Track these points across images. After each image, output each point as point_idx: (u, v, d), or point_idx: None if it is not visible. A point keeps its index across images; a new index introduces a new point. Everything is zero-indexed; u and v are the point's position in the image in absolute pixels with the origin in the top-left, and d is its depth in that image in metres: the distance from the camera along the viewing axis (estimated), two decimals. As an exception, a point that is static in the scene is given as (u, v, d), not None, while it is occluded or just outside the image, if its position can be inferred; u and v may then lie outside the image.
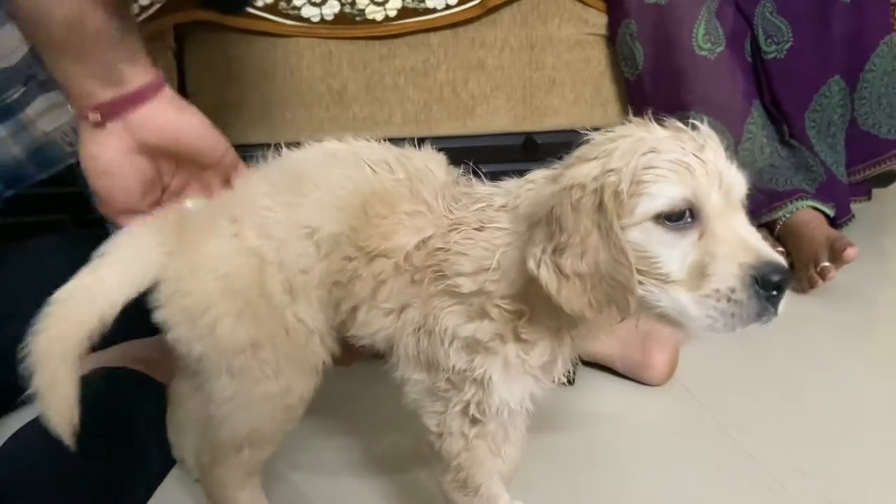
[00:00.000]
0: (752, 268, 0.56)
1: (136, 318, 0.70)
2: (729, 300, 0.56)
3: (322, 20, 1.55)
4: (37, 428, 0.78)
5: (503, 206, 0.67)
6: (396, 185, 0.70)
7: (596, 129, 1.80)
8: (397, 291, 0.68)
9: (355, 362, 0.80)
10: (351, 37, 1.58)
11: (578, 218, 0.58)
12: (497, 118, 1.71)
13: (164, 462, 0.89)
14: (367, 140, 0.78)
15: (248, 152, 1.64)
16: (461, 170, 0.75)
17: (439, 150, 1.71)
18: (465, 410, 0.68)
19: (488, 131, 1.72)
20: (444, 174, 0.73)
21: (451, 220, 0.67)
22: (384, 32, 1.58)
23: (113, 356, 0.94)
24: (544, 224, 0.60)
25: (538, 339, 0.66)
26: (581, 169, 0.60)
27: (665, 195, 0.57)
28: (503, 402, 0.67)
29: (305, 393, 0.74)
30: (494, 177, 1.76)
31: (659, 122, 0.63)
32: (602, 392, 1.11)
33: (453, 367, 0.66)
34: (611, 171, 0.58)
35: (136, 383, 0.90)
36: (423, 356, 0.68)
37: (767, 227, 1.52)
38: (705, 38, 1.51)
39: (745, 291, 0.56)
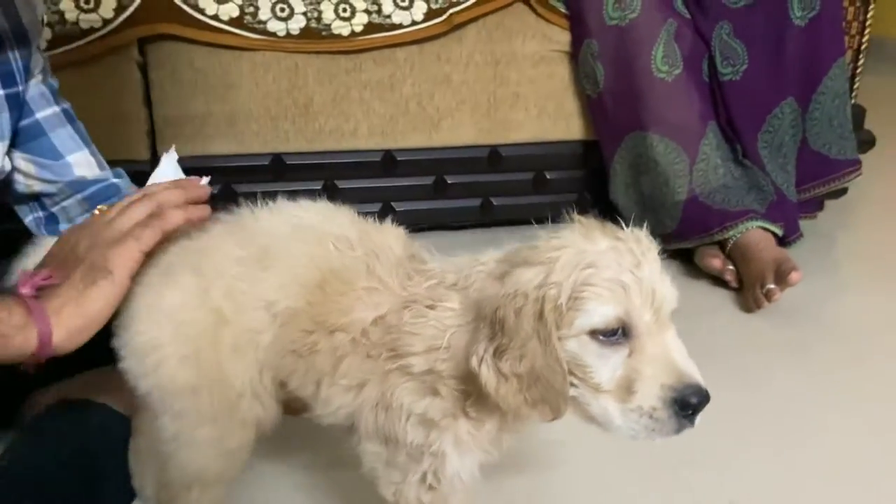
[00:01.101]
0: (673, 389, 0.61)
1: (102, 343, 0.73)
2: (651, 417, 0.62)
3: (288, 34, 1.56)
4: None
5: (454, 285, 0.70)
6: (354, 262, 0.73)
7: (559, 142, 1.82)
8: (355, 367, 0.71)
9: (305, 412, 0.83)
10: (317, 51, 1.59)
11: (519, 324, 0.62)
12: (462, 131, 1.75)
13: (127, 493, 0.92)
14: (334, 206, 0.81)
15: (212, 163, 1.66)
16: (418, 244, 0.78)
17: (407, 161, 1.75)
18: (422, 479, 0.72)
19: (454, 144, 1.75)
20: (401, 249, 0.76)
21: (404, 297, 0.71)
22: (350, 47, 1.60)
23: (76, 387, 0.97)
24: (488, 324, 0.64)
25: (486, 418, 0.70)
26: (525, 274, 0.64)
27: (600, 313, 0.62)
28: (455, 472, 0.72)
29: (243, 442, 0.77)
30: (463, 188, 1.79)
31: (601, 224, 0.67)
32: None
33: (411, 442, 0.70)
34: (552, 283, 0.62)
35: (99, 416, 0.92)
36: (381, 431, 0.72)
37: (719, 245, 1.57)
38: (664, 61, 1.55)
39: (665, 411, 0.62)
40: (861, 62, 1.91)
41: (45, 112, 1.01)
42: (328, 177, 1.72)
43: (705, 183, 1.56)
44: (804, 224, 1.72)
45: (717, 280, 1.57)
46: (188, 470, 0.77)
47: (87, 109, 1.52)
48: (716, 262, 1.54)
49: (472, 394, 0.68)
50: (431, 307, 0.69)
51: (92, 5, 1.47)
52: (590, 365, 0.63)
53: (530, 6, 1.67)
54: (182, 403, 0.74)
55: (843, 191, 1.92)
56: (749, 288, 1.46)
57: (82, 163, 1.04)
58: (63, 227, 1.05)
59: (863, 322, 1.44)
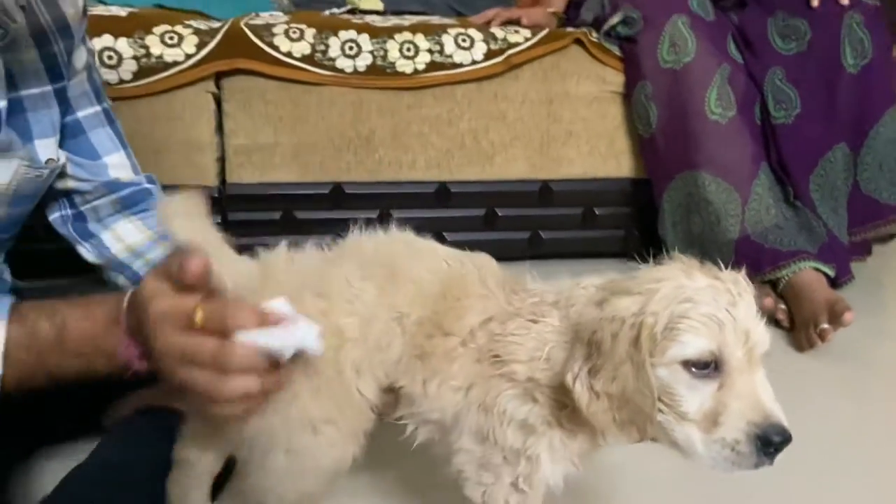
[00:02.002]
0: (757, 426, 0.64)
1: None
2: (732, 449, 0.65)
3: (355, 71, 1.64)
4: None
5: (555, 303, 0.75)
6: (468, 273, 0.79)
7: (609, 179, 1.87)
8: (464, 370, 0.76)
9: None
10: (381, 87, 1.67)
11: (615, 347, 0.66)
12: (515, 166, 1.80)
13: None
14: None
15: (276, 190, 1.74)
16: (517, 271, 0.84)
17: (460, 193, 1.81)
18: (513, 482, 0.76)
19: (506, 178, 1.81)
20: (499, 270, 0.82)
21: (510, 309, 0.76)
22: (412, 84, 1.67)
23: (160, 393, 1.00)
24: (585, 344, 0.69)
25: (579, 430, 0.74)
26: (624, 301, 0.68)
27: (694, 346, 0.65)
28: (545, 478, 0.76)
29: (356, 457, 0.81)
30: (513, 221, 1.84)
31: (701, 263, 0.70)
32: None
33: (510, 446, 0.75)
34: (650, 312, 0.66)
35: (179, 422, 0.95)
36: (481, 431, 0.76)
37: (771, 284, 1.59)
38: (717, 104, 1.60)
39: (748, 446, 0.65)
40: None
41: (87, 111, 1.00)
42: (384, 206, 1.78)
43: (757, 223, 1.59)
44: (854, 267, 1.73)
45: (769, 320, 1.59)
46: (290, 497, 0.80)
47: (164, 136, 1.63)
48: (767, 301, 1.56)
49: (567, 405, 0.72)
50: (534, 321, 0.75)
51: (176, 41, 1.57)
52: (679, 393, 0.66)
53: (586, 48, 1.73)
54: (306, 439, 0.77)
55: (892, 235, 1.93)
56: (802, 327, 1.47)
57: (118, 164, 1.02)
58: (91, 226, 1.02)
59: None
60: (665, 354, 0.66)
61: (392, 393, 0.81)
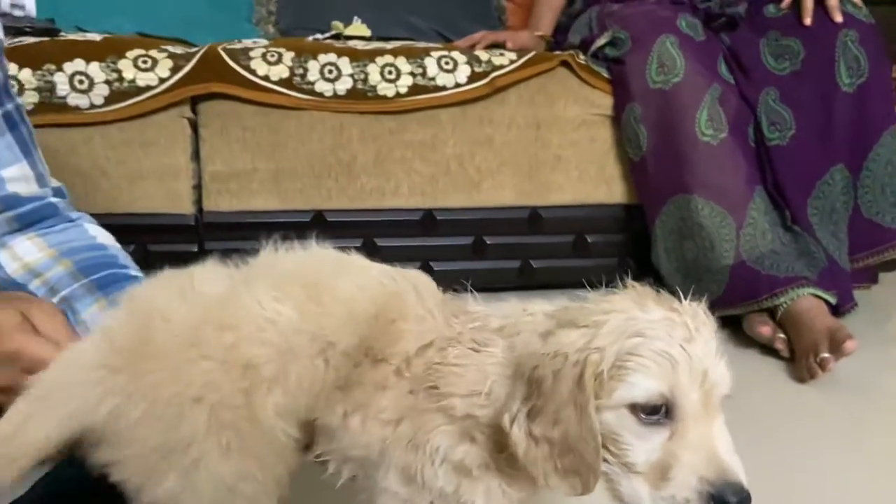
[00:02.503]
0: (711, 484, 0.56)
1: None
2: None
3: (335, 95, 1.60)
4: None
5: (499, 330, 0.67)
6: (404, 291, 0.70)
7: (600, 205, 1.81)
8: (396, 402, 0.67)
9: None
10: (362, 111, 1.63)
11: (556, 387, 0.59)
12: (503, 192, 1.75)
13: None
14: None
15: (255, 219, 1.68)
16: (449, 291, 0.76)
17: (447, 221, 1.75)
18: None
19: (494, 205, 1.75)
20: (437, 291, 0.73)
21: (449, 335, 0.67)
22: (394, 108, 1.63)
23: None
24: (525, 382, 0.61)
25: (520, 474, 0.65)
26: (569, 335, 0.60)
27: (643, 387, 0.57)
28: None
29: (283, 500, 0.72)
30: (503, 249, 1.78)
31: (656, 293, 0.63)
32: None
33: (441, 489, 0.65)
34: (595, 348, 0.59)
35: None
36: (408, 471, 0.67)
37: (769, 313, 1.52)
38: (708, 125, 1.54)
39: None
40: (912, 132, 1.88)
41: None
42: (368, 234, 1.72)
43: (753, 248, 1.52)
44: (858, 295, 1.65)
45: (767, 349, 1.50)
46: None
47: (138, 162, 1.58)
48: (766, 329, 1.48)
49: (507, 447, 0.64)
50: (475, 350, 0.66)
51: (149, 65, 1.54)
52: (626, 442, 0.59)
53: (573, 71, 1.69)
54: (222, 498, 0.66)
55: (898, 262, 1.85)
56: (802, 357, 1.39)
57: (17, 177, 0.89)
58: None
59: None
60: (612, 396, 0.58)
61: (308, 426, 0.70)
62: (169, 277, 0.72)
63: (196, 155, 1.62)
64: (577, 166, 1.75)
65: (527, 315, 0.67)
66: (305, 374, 0.66)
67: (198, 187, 1.64)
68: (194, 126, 1.61)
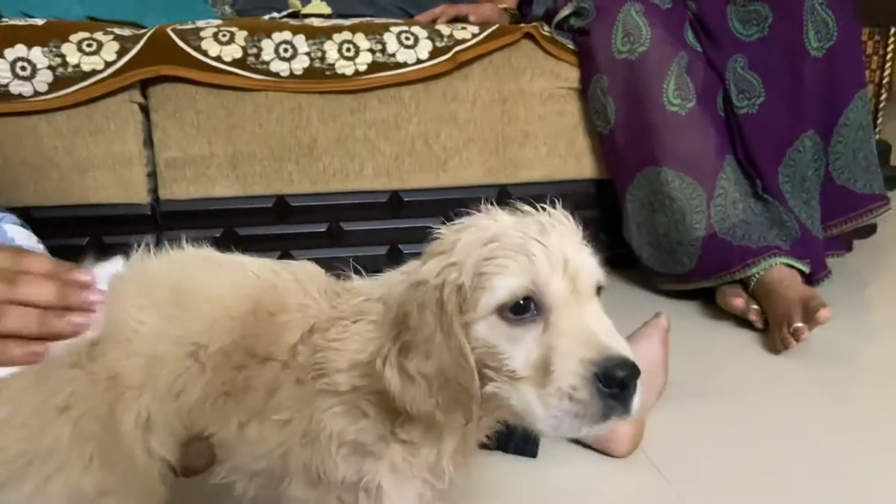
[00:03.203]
0: (593, 364, 0.53)
1: None
2: (571, 399, 0.53)
3: (291, 74, 1.54)
4: None
5: (379, 298, 0.64)
6: (283, 282, 0.67)
7: (571, 181, 1.77)
8: (287, 397, 0.63)
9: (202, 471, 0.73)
10: (321, 91, 1.57)
11: (422, 317, 0.56)
12: (470, 171, 1.70)
13: None
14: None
15: (215, 206, 1.63)
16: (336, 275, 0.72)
17: (414, 202, 1.71)
18: None
19: (462, 184, 1.71)
20: (325, 278, 0.70)
21: (332, 315, 0.65)
22: (354, 86, 1.57)
23: None
24: (394, 323, 0.58)
25: (421, 441, 0.62)
26: (428, 265, 0.59)
27: (503, 286, 0.55)
28: None
29: None
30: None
31: (508, 208, 0.62)
32: (566, 465, 1.06)
33: (343, 479, 0.62)
34: (452, 264, 0.57)
35: None
36: (309, 469, 0.63)
37: (742, 284, 1.49)
38: (675, 94, 1.50)
39: (587, 389, 0.53)
40: (883, 97, 1.86)
41: None
42: (333, 219, 1.67)
43: (724, 219, 1.49)
44: (832, 263, 1.63)
45: (741, 321, 1.48)
46: None
47: (87, 151, 1.52)
48: (738, 301, 1.45)
49: (400, 413, 0.61)
50: (356, 322, 0.64)
51: (94, 48, 1.47)
52: (502, 350, 0.56)
53: (537, 43, 1.64)
54: None
55: (872, 229, 1.83)
56: (775, 327, 1.36)
57: None
58: None
59: (892, 362, 1.34)
60: (477, 308, 0.56)
61: (201, 443, 0.66)
62: None
63: (149, 141, 1.56)
64: (546, 141, 1.71)
65: (401, 275, 0.65)
66: (174, 377, 0.63)
67: (153, 175, 1.59)
68: (145, 111, 1.55)
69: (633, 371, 0.53)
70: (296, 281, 0.67)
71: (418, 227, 1.72)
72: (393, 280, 0.65)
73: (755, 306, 1.44)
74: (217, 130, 1.57)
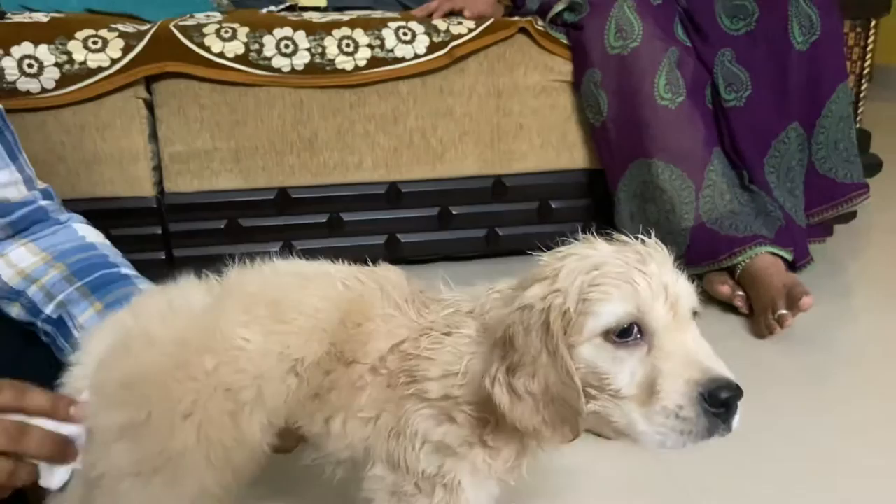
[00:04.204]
0: (699, 384, 0.57)
1: None
2: (677, 417, 0.57)
3: (293, 70, 1.58)
4: None
5: (470, 312, 0.69)
6: (369, 292, 0.72)
7: (563, 171, 1.81)
8: (374, 398, 0.69)
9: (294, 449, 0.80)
10: (321, 86, 1.61)
11: (528, 339, 0.60)
12: (466, 162, 1.75)
13: None
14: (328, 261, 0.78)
15: (218, 198, 1.67)
16: (423, 283, 0.77)
17: (411, 193, 1.76)
18: None
19: (458, 175, 1.76)
20: (407, 283, 0.74)
21: (422, 325, 0.69)
22: (354, 81, 1.61)
23: None
24: (499, 344, 0.62)
25: (504, 446, 0.67)
26: (532, 290, 0.62)
27: (608, 312, 0.59)
28: None
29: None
30: (468, 219, 1.79)
31: (605, 237, 0.66)
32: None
33: (423, 471, 0.67)
34: (557, 291, 0.60)
35: None
36: (392, 457, 0.69)
37: (728, 271, 1.56)
38: (666, 89, 1.56)
39: (693, 409, 0.57)
40: (864, 87, 1.92)
41: None
42: (333, 210, 1.72)
43: (712, 209, 1.55)
44: (814, 249, 1.70)
45: (728, 307, 1.55)
46: None
47: (94, 146, 1.56)
48: (725, 288, 1.52)
49: (490, 421, 0.66)
50: (448, 334, 0.68)
51: (100, 45, 1.50)
52: (607, 371, 0.60)
53: (531, 38, 1.68)
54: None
55: (853, 215, 1.90)
56: (760, 314, 1.43)
57: (6, 183, 0.90)
58: None
59: (877, 347, 1.41)
60: (583, 331, 0.60)
61: (292, 430, 0.73)
62: (150, 303, 0.75)
63: (154, 136, 1.60)
64: (539, 133, 1.76)
65: (494, 293, 0.69)
66: (280, 393, 0.69)
67: (158, 169, 1.62)
68: (150, 106, 1.58)
69: (736, 392, 0.58)
70: (381, 290, 0.71)
71: (416, 218, 1.78)
72: (481, 295, 0.69)
73: (741, 293, 1.51)
74: (220, 125, 1.60)
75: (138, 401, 0.68)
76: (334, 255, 0.81)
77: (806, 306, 1.34)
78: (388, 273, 0.75)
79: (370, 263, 0.77)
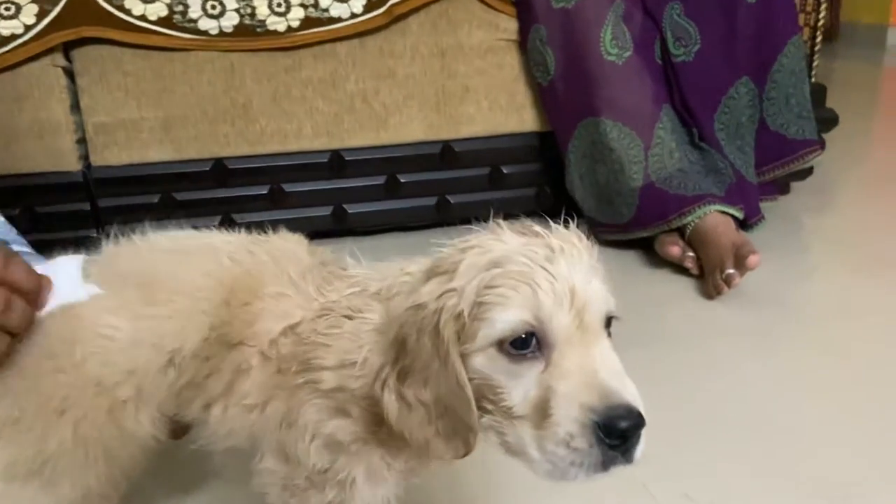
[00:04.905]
0: (594, 412, 0.49)
1: None
2: (568, 446, 0.50)
3: (221, 32, 1.50)
4: None
5: (377, 294, 0.62)
6: (259, 266, 0.65)
7: (513, 134, 1.76)
8: (261, 384, 0.62)
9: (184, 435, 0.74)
10: (253, 49, 1.53)
11: (420, 342, 0.54)
12: (412, 127, 1.69)
13: None
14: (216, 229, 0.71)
15: (149, 171, 1.59)
16: (328, 250, 0.70)
17: (356, 161, 1.69)
18: None
19: (404, 141, 1.69)
20: (308, 255, 0.68)
21: (321, 304, 0.63)
22: (288, 44, 1.54)
23: None
24: (393, 344, 0.56)
25: (404, 444, 0.61)
26: (428, 286, 0.55)
27: (502, 320, 0.52)
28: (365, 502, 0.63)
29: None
30: (417, 186, 1.73)
31: (525, 224, 0.58)
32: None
33: (314, 466, 0.61)
34: (452, 291, 0.54)
35: None
36: (283, 448, 0.63)
37: (679, 232, 1.52)
38: (613, 44, 1.50)
39: (586, 439, 0.49)
40: (819, 40, 1.88)
41: None
42: (274, 181, 1.65)
43: (661, 168, 1.51)
44: (768, 207, 1.67)
45: (679, 268, 1.51)
46: None
47: (11, 120, 1.47)
48: (675, 249, 1.48)
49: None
50: (349, 317, 0.61)
51: (13, 11, 1.40)
52: (500, 385, 0.53)
53: (474, -6, 1.61)
54: None
55: (809, 171, 1.87)
56: (709, 274, 1.40)
57: None
58: None
59: (829, 306, 1.39)
60: (476, 339, 0.52)
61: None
62: None
63: (76, 107, 1.51)
64: (487, 95, 1.70)
65: (404, 275, 0.62)
66: (159, 386, 0.63)
67: (83, 142, 1.54)
68: (71, 75, 1.49)
69: (637, 421, 0.50)
70: (274, 264, 0.65)
71: (362, 187, 1.72)
72: (393, 277, 0.62)
73: (691, 254, 1.48)
74: (146, 93, 1.52)
75: (10, 396, 0.61)
76: (278, 228, 0.73)
77: (753, 264, 1.31)
78: (285, 244, 0.68)
79: (270, 232, 0.71)
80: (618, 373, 0.53)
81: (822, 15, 1.86)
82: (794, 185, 1.91)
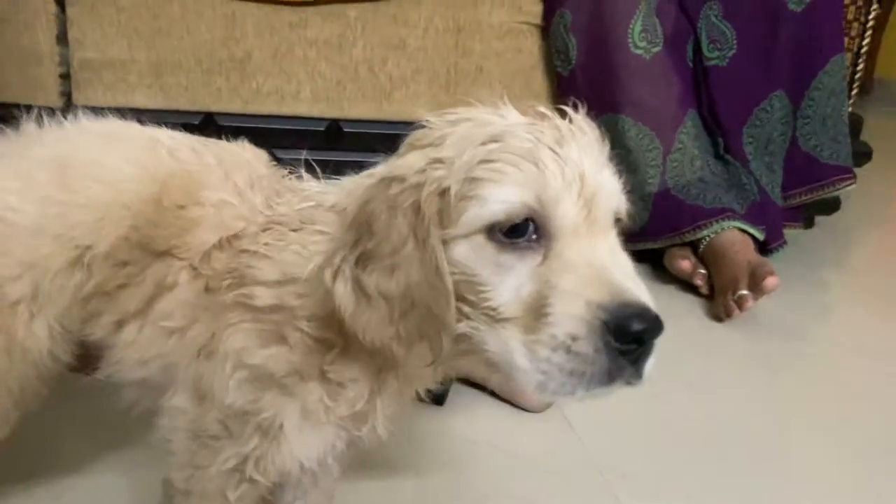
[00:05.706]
0: (603, 309, 0.40)
1: None
2: (569, 351, 0.41)
3: (225, -23, 1.40)
4: None
5: (333, 206, 0.53)
6: (204, 169, 0.56)
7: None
8: (186, 303, 0.53)
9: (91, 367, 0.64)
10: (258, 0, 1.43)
11: (393, 221, 0.44)
12: (417, 104, 1.57)
13: None
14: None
15: (135, 116, 1.48)
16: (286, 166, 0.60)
17: (354, 133, 1.58)
18: (237, 467, 0.52)
19: (407, 118, 1.58)
20: (264, 168, 0.59)
21: (268, 216, 0.54)
22: (295, -1, 1.44)
23: None
24: (353, 225, 0.46)
25: (351, 381, 0.51)
26: (408, 157, 0.46)
27: (498, 199, 0.42)
28: (294, 458, 0.52)
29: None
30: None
31: (525, 103, 0.50)
32: (474, 415, 0.98)
33: (231, 405, 0.51)
34: (438, 161, 0.44)
35: None
36: (197, 383, 0.52)
37: (691, 247, 1.40)
38: (641, 36, 1.39)
39: (592, 342, 0.40)
40: (860, 67, 1.76)
41: None
42: (265, 144, 1.52)
43: (680, 175, 1.39)
44: (790, 235, 1.54)
45: (687, 285, 1.39)
46: None
47: (-12, 42, 1.37)
48: (685, 264, 1.36)
49: (335, 345, 0.49)
50: (297, 230, 0.52)
51: (4, -75, 1.31)
52: (485, 280, 0.43)
53: (500, -30, 1.51)
54: None
55: (836, 206, 1.75)
56: (720, 294, 1.28)
57: None
58: None
59: (842, 345, 1.27)
60: (460, 221, 0.43)
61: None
62: None
63: (63, 38, 1.41)
64: (501, 79, 1.59)
65: (365, 177, 0.52)
66: (63, 289, 0.53)
67: (66, 77, 1.44)
68: (61, 3, 1.39)
69: (654, 324, 0.41)
70: (221, 168, 0.56)
71: (358, 162, 1.60)
72: (355, 184, 0.53)
73: (702, 270, 1.36)
74: (139, 32, 1.42)
75: None
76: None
77: (770, 287, 1.19)
78: (239, 150, 0.61)
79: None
80: (630, 272, 0.44)
81: (866, 42, 1.75)
82: (819, 219, 1.78)
